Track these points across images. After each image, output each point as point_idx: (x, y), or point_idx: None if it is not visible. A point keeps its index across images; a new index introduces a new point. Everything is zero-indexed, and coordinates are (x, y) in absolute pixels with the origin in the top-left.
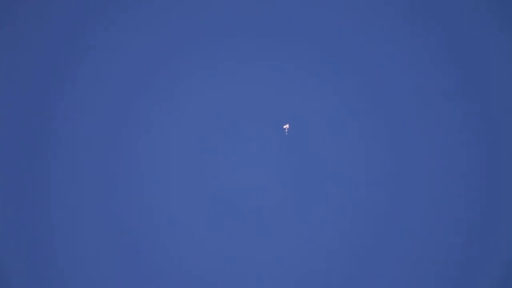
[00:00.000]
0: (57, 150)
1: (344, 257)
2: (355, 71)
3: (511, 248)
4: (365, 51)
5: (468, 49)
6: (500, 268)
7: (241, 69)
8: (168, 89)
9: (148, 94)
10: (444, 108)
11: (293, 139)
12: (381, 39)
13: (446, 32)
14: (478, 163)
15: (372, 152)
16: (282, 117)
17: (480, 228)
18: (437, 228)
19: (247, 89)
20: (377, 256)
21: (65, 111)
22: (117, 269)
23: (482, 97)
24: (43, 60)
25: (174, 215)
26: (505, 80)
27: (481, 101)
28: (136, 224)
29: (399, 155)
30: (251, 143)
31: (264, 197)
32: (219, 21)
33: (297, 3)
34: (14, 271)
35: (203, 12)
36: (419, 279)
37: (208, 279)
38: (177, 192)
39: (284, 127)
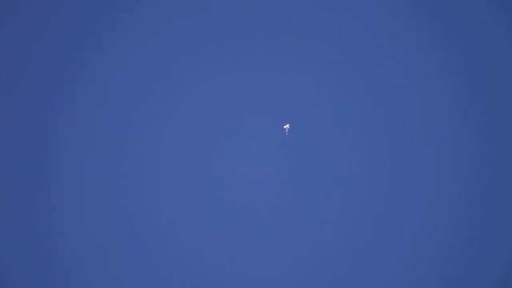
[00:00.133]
0: (59, 150)
1: (345, 257)
2: (357, 71)
3: (511, 248)
4: (367, 52)
5: (474, 47)
6: (500, 268)
7: (242, 69)
8: (169, 89)
9: (149, 94)
10: (445, 108)
11: (294, 138)
12: (383, 39)
13: (451, 30)
14: (480, 163)
15: (373, 152)
16: (284, 116)
17: (480, 228)
18: (437, 228)
19: (247, 89)
20: (377, 256)
21: (66, 111)
22: (118, 268)
23: (486, 96)
24: (44, 60)
25: (175, 214)
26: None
27: (485, 100)
28: (137, 224)
29: (400, 155)
30: (252, 142)
31: (264, 197)
32: (220, 21)
33: (298, 3)
34: (15, 271)
35: (204, 12)
36: (419, 279)
37: (208, 278)
38: (178, 191)
39: (285, 127)
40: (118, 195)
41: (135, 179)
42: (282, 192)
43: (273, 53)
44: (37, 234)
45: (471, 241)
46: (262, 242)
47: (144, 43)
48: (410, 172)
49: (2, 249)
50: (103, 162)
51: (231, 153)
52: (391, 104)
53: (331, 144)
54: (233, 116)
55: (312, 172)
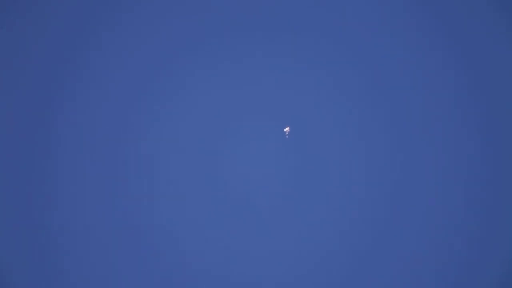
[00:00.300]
0: (59, 150)
1: (345, 257)
2: (357, 71)
3: (511, 248)
4: (367, 52)
5: (474, 47)
6: (500, 268)
7: (242, 69)
8: (169, 89)
9: (149, 94)
10: (445, 108)
11: (294, 138)
12: (383, 39)
13: (451, 30)
14: (480, 163)
15: (373, 151)
16: (283, 116)
17: (480, 228)
18: (437, 228)
19: (247, 89)
20: (377, 256)
21: (66, 111)
22: (119, 268)
23: (486, 96)
24: (44, 60)
25: (175, 214)
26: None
27: (485, 100)
28: (137, 223)
29: (400, 155)
30: (252, 142)
31: (264, 196)
32: (220, 21)
33: (298, 3)
34: (15, 271)
35: (204, 12)
36: (419, 279)
37: (208, 278)
38: (178, 191)
39: (285, 130)
40: (118, 195)
41: (135, 179)
42: (282, 191)
43: (273, 53)
44: (37, 234)
45: (471, 241)
46: (262, 242)
47: (144, 43)
48: (410, 172)
49: (2, 249)
50: (103, 162)
51: (231, 153)
52: (391, 104)
53: (331, 144)
54: (233, 116)
55: (312, 171)
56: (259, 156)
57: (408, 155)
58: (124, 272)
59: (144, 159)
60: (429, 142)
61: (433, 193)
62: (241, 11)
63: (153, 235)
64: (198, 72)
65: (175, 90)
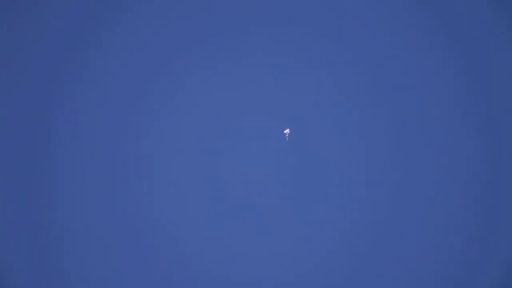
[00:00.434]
0: (59, 150)
1: (345, 257)
2: (357, 71)
3: (511, 248)
4: (367, 52)
5: (474, 47)
6: (500, 268)
7: (242, 69)
8: (169, 88)
9: (149, 94)
10: (445, 108)
11: (294, 138)
12: (383, 39)
13: (451, 30)
14: (480, 163)
15: (373, 151)
16: (283, 116)
17: (480, 228)
18: (437, 228)
19: (247, 89)
20: (377, 256)
21: (66, 111)
22: (119, 268)
23: (486, 96)
24: (44, 60)
25: (175, 214)
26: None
27: (485, 100)
28: (137, 223)
29: (400, 155)
30: (252, 142)
31: (264, 197)
32: (220, 21)
33: (298, 3)
34: (15, 271)
35: (204, 12)
36: (419, 279)
37: (209, 278)
38: (178, 191)
39: (285, 132)
40: (118, 195)
41: (135, 179)
42: (281, 191)
43: (273, 53)
44: (37, 234)
45: (471, 241)
46: (262, 242)
47: (144, 43)
48: (410, 172)
49: (2, 249)
50: (103, 162)
51: (231, 153)
52: (391, 104)
53: (331, 144)
54: (233, 116)
55: (312, 171)
56: (259, 155)
57: (408, 155)
58: (124, 272)
59: (144, 159)
60: (429, 142)
61: (433, 193)
62: (241, 11)
63: (153, 235)
64: (198, 72)
65: (175, 90)
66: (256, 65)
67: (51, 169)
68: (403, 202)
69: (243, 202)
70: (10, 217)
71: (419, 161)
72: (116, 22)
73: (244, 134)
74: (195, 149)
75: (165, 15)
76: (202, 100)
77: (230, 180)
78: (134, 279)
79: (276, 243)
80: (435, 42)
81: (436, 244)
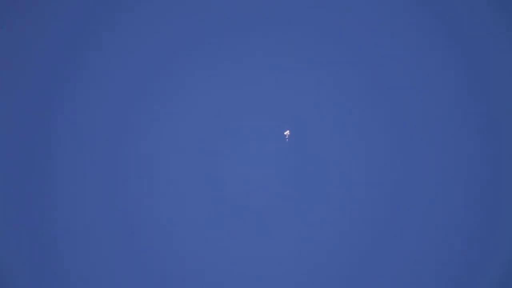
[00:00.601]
0: (59, 150)
1: (345, 257)
2: (357, 71)
3: (511, 248)
4: (367, 52)
5: (474, 47)
6: (500, 268)
7: (242, 69)
8: (169, 88)
9: (149, 94)
10: (445, 108)
11: (294, 138)
12: (383, 39)
13: (451, 30)
14: (480, 163)
15: (373, 151)
16: (284, 116)
17: (480, 228)
18: (437, 228)
19: (247, 89)
20: (377, 256)
21: (66, 111)
22: (119, 268)
23: (486, 96)
24: (44, 60)
25: (175, 214)
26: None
27: (485, 100)
28: (137, 224)
29: (400, 155)
30: (252, 142)
31: (264, 197)
32: (220, 21)
33: (298, 3)
34: (15, 271)
35: (204, 12)
36: (419, 279)
37: (209, 278)
38: (179, 192)
39: (285, 133)
40: (118, 195)
41: (135, 179)
42: (282, 191)
43: (273, 53)
44: (37, 234)
45: (471, 241)
46: (263, 243)
47: (144, 43)
48: (410, 172)
49: (2, 249)
50: (103, 162)
51: (231, 153)
52: (391, 104)
53: (331, 144)
54: (234, 116)
55: (312, 172)
56: (259, 156)
57: (408, 155)
58: (124, 272)
59: (144, 159)
60: (429, 142)
61: (433, 193)
62: (241, 11)
63: (153, 236)
64: (198, 72)
65: (175, 90)
66: (256, 65)
67: (51, 169)
68: (403, 202)
69: (243, 202)
70: (10, 217)
71: (419, 161)
72: (116, 22)
73: (244, 134)
74: (195, 149)
75: (165, 15)
76: (202, 100)
77: (230, 180)
78: (134, 279)
79: (277, 243)
80: (435, 42)
81: (436, 244)
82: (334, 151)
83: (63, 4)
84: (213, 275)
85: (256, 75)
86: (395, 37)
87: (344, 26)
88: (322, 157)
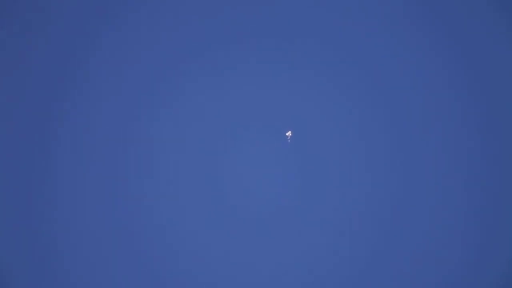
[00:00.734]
0: (59, 150)
1: (345, 258)
2: (357, 72)
3: (511, 248)
4: (367, 52)
5: (474, 47)
6: (500, 268)
7: (244, 73)
8: (170, 92)
9: (150, 97)
10: (445, 108)
11: (296, 139)
12: (383, 39)
13: (451, 30)
14: (480, 162)
15: (373, 152)
16: (285, 118)
17: (480, 228)
18: (437, 228)
19: (249, 92)
20: (377, 256)
21: (66, 111)
22: (118, 269)
23: (486, 96)
24: (44, 61)
25: (175, 215)
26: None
27: (485, 100)
28: (137, 224)
29: (400, 155)
30: (253, 144)
31: (265, 198)
32: (222, 26)
33: (299, 6)
34: (15, 271)
35: (206, 17)
36: (420, 279)
37: (209, 279)
38: (179, 194)
39: (287, 134)
40: (118, 196)
41: (136, 180)
42: (282, 192)
43: (274, 56)
44: (37, 234)
45: (471, 241)
46: (263, 243)
47: (146, 46)
48: (411, 172)
49: (2, 249)
50: (103, 163)
51: (233, 154)
52: (391, 104)
53: (332, 144)
54: (235, 117)
55: (313, 173)
56: (261, 158)
57: (408, 155)
58: (124, 272)
59: (144, 159)
60: (429, 142)
61: (433, 193)
62: (243, 17)
63: (153, 236)
64: (199, 75)
65: (176, 92)
66: (257, 68)
67: (51, 169)
68: (403, 202)
69: (244, 203)
70: (10, 217)
71: (419, 161)
72: (118, 24)
73: (246, 135)
74: (196, 150)
75: (167, 19)
76: (203, 102)
77: (231, 181)
78: (134, 279)
79: (277, 244)
80: (435, 42)
81: (437, 244)
82: (335, 151)
83: (63, 4)
84: (213, 275)
85: (257, 77)
86: (395, 37)
87: (344, 28)
88: (323, 157)
